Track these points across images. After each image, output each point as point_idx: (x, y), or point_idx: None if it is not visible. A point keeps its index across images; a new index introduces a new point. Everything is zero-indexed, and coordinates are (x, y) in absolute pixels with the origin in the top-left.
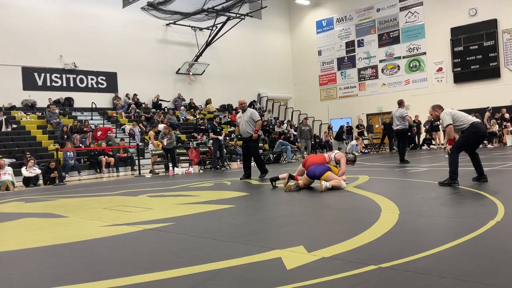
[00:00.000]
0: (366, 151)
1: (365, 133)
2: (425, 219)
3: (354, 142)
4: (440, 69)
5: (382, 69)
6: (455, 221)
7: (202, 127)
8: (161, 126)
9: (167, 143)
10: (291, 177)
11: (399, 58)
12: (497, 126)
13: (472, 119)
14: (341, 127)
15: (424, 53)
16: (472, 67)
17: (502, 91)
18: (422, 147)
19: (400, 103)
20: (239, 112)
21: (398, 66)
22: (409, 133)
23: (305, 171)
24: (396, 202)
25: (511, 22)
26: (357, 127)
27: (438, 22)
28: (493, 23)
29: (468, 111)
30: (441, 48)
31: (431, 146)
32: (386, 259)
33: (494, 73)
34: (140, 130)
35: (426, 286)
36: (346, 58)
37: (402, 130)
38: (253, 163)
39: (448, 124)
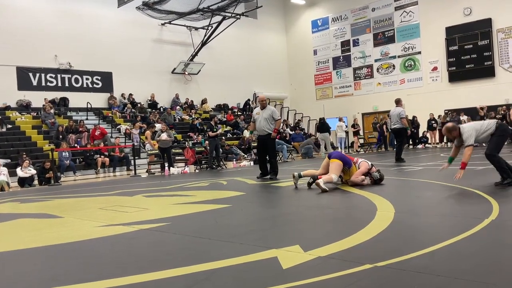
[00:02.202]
0: (361, 150)
1: (361, 132)
2: (420, 218)
3: (341, 124)
4: (435, 68)
5: (377, 69)
6: (450, 219)
7: (198, 125)
8: (158, 126)
9: (165, 138)
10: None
11: (394, 57)
12: None
13: (493, 121)
14: (322, 119)
15: (419, 53)
16: (467, 66)
17: (497, 90)
18: (418, 145)
19: (398, 102)
20: (257, 107)
21: (393, 66)
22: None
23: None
24: (391, 201)
25: (505, 21)
26: (353, 126)
27: (433, 22)
28: (487, 22)
29: (465, 111)
30: (436, 48)
31: (427, 145)
32: (381, 258)
33: (488, 72)
34: (137, 131)
35: (422, 284)
36: (341, 57)
37: (399, 129)
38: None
39: (470, 144)
